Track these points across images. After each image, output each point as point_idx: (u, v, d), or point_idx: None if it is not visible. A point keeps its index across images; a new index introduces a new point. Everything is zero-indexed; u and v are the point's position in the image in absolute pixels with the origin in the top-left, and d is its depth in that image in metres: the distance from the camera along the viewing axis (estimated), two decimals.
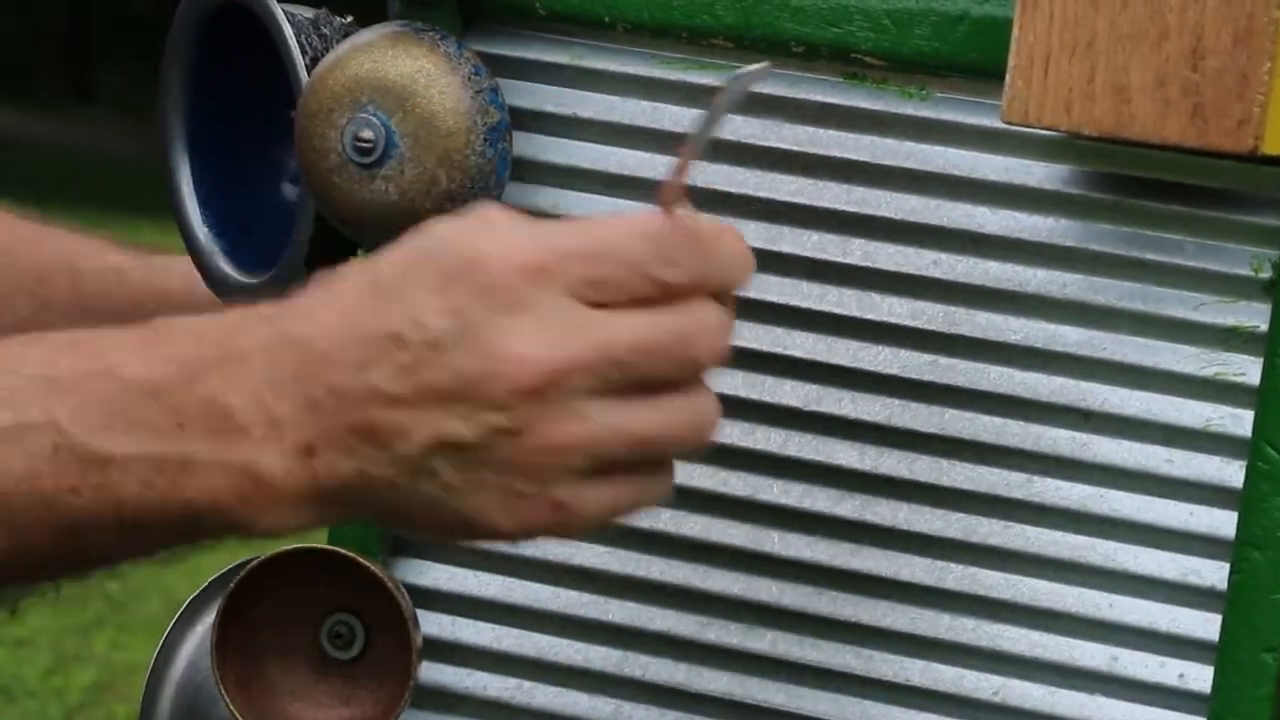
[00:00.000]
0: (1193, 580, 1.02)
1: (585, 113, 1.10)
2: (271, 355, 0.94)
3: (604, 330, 0.92)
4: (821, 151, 1.06)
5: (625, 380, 0.93)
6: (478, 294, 0.92)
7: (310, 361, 0.94)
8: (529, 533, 0.93)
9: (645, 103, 1.09)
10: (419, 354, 0.92)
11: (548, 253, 0.93)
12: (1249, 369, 1.01)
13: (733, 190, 1.07)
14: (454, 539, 0.98)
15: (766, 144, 1.07)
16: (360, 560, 1.05)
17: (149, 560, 1.00)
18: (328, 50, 1.11)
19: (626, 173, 1.09)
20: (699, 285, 0.94)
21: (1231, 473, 1.01)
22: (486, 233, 0.94)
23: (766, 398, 1.07)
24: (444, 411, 0.92)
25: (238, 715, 1.05)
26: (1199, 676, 1.01)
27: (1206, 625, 1.01)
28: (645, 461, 0.95)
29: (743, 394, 1.07)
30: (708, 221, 0.96)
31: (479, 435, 0.91)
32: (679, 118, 1.08)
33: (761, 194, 1.07)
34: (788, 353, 1.06)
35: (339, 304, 0.95)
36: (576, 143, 1.10)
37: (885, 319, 1.06)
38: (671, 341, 0.93)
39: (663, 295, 0.93)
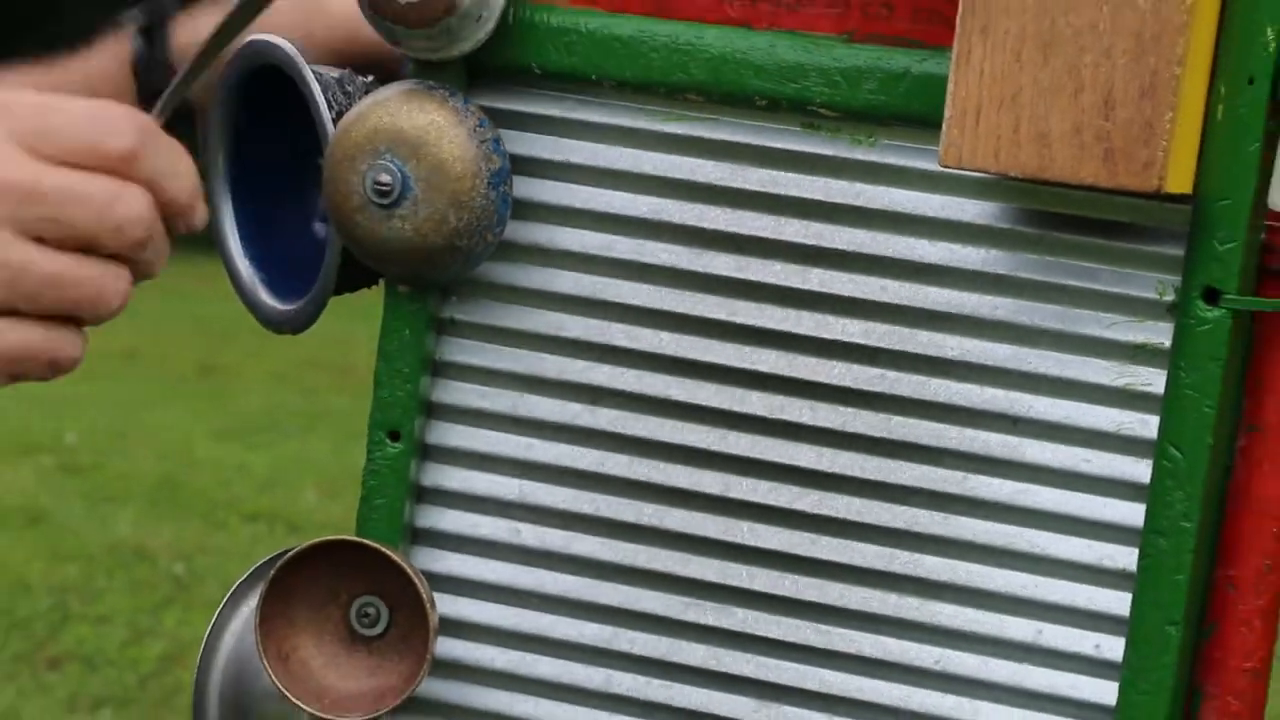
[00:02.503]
0: (1107, 564, 1.02)
1: (576, 159, 1.09)
2: None
3: (32, 170, 0.86)
4: (783, 192, 1.06)
5: (49, 223, 0.86)
6: None
7: None
8: None
9: (628, 150, 1.09)
10: None
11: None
12: (1155, 380, 1.01)
13: (705, 226, 1.07)
14: None
15: (735, 185, 1.07)
16: (385, 550, 1.05)
17: None
18: (351, 106, 1.11)
19: (613, 211, 1.09)
20: (137, 171, 0.89)
21: (1140, 470, 1.01)
22: None
23: (737, 407, 1.06)
24: None
25: (278, 684, 1.06)
26: (1112, 647, 1.01)
27: (1119, 602, 1.01)
28: (56, 312, 0.88)
29: (716, 404, 1.07)
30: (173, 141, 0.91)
31: None
32: (659, 163, 1.08)
33: (731, 229, 1.07)
34: (755, 367, 1.06)
35: None
36: (568, 185, 1.10)
37: (839, 338, 1.05)
38: (96, 197, 0.87)
39: (99, 166, 0.87)
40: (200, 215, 0.94)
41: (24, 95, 0.88)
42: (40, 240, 0.86)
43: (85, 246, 0.88)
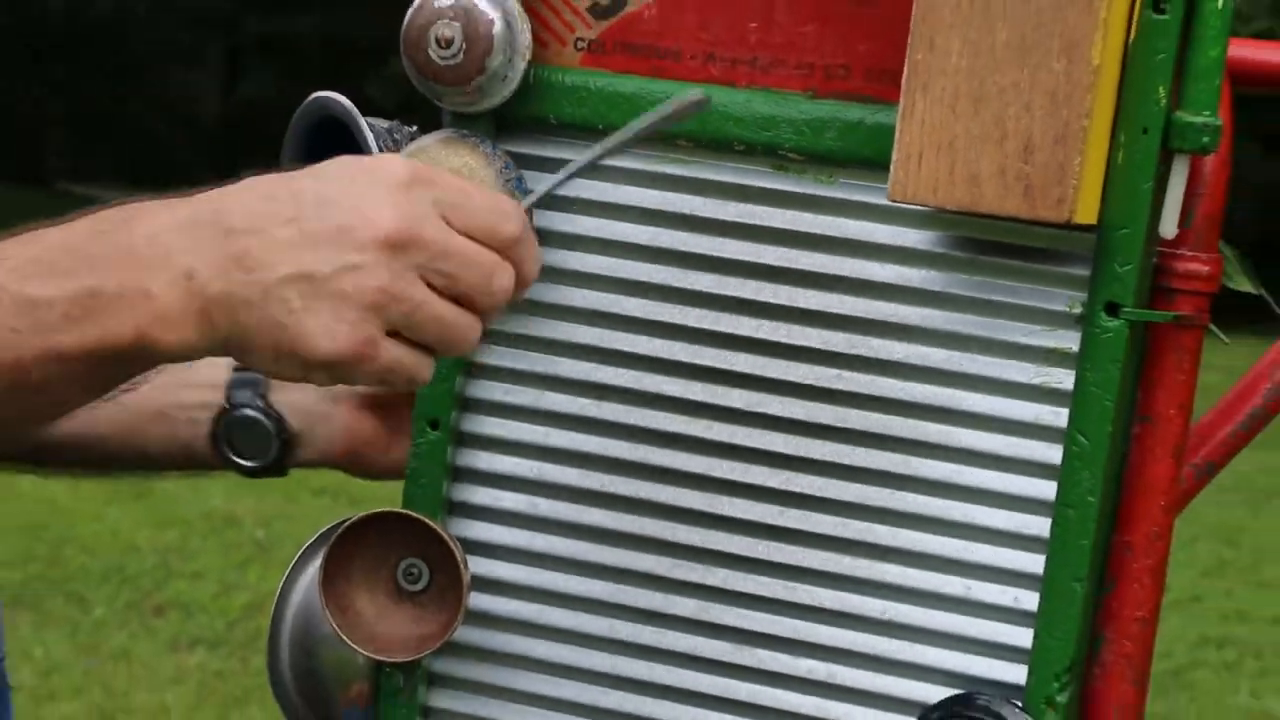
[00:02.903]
0: (1025, 531, 1.02)
1: (586, 195, 1.09)
2: (173, 211, 0.91)
3: (449, 235, 0.91)
4: (757, 222, 1.06)
5: (445, 277, 0.91)
6: (370, 177, 0.91)
7: (209, 213, 0.90)
8: (338, 359, 0.90)
9: (629, 187, 1.09)
10: (307, 209, 0.90)
11: (430, 173, 0.93)
12: (1065, 379, 1.01)
13: (693, 250, 1.07)
14: (282, 363, 0.92)
15: (718, 217, 1.07)
16: (426, 520, 1.05)
17: (92, 401, 0.96)
18: (399, 150, 1.11)
19: (617, 239, 1.09)
20: (513, 252, 0.94)
21: (1053, 453, 1.01)
22: (385, 156, 0.95)
23: (719, 401, 1.07)
24: (311, 251, 0.89)
25: (338, 630, 1.06)
26: (1029, 600, 1.02)
27: (1034, 564, 1.02)
28: (428, 343, 0.92)
29: (702, 399, 1.07)
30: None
31: (332, 269, 0.89)
32: (655, 198, 1.08)
33: (714, 253, 1.07)
34: (734, 368, 1.06)
35: (252, 185, 0.93)
36: (580, 217, 1.10)
37: (803, 343, 1.06)
38: (485, 266, 0.92)
39: (490, 243, 0.93)
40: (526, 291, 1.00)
41: (445, 175, 0.94)
42: (433, 287, 0.91)
43: (462, 300, 0.92)
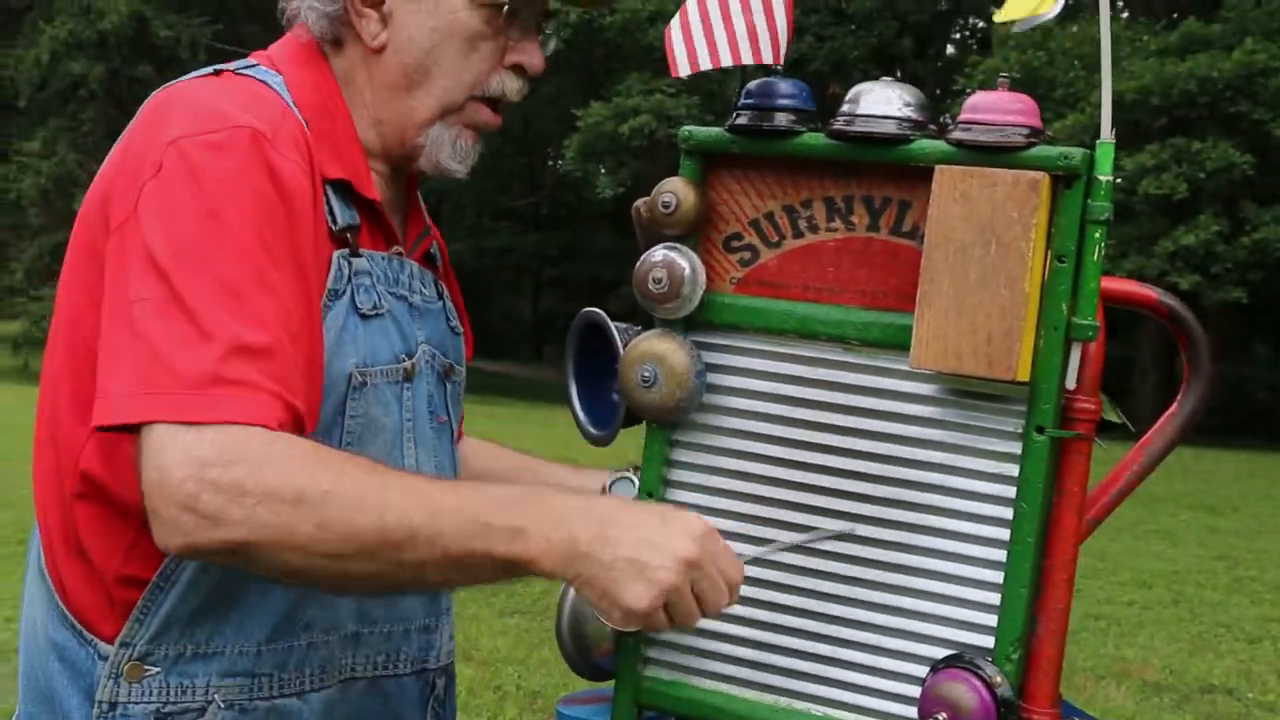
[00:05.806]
0: (991, 558, 1.06)
1: (736, 364, 1.14)
2: (577, 503, 0.99)
3: (715, 573, 0.99)
4: (835, 379, 1.11)
5: (700, 591, 0.99)
6: (684, 525, 0.99)
7: (592, 511, 0.98)
8: (635, 611, 0.97)
9: (759, 360, 1.13)
10: (649, 529, 0.98)
11: (712, 535, 1.00)
12: (1013, 470, 1.06)
13: (797, 395, 1.11)
14: (601, 601, 0.99)
15: (813, 376, 1.11)
16: None
17: (486, 586, 1.01)
18: (630, 340, 1.17)
19: (752, 389, 1.12)
20: (736, 579, 1.02)
21: (1007, 513, 1.05)
22: (691, 516, 1.01)
23: (817, 481, 1.11)
24: (645, 550, 0.97)
25: (596, 612, 1.04)
26: (994, 598, 1.06)
27: (996, 577, 1.06)
28: (677, 619, 1.00)
29: (809, 480, 1.10)
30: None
31: (652, 564, 0.97)
32: (776, 366, 1.11)
33: (809, 397, 1.11)
34: (828, 464, 1.10)
35: (621, 503, 1.01)
36: (732, 376, 1.14)
37: (862, 449, 1.09)
38: (721, 593, 1.00)
39: (728, 582, 1.01)
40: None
41: (719, 539, 1.01)
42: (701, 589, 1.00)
43: (701, 603, 1.01)
